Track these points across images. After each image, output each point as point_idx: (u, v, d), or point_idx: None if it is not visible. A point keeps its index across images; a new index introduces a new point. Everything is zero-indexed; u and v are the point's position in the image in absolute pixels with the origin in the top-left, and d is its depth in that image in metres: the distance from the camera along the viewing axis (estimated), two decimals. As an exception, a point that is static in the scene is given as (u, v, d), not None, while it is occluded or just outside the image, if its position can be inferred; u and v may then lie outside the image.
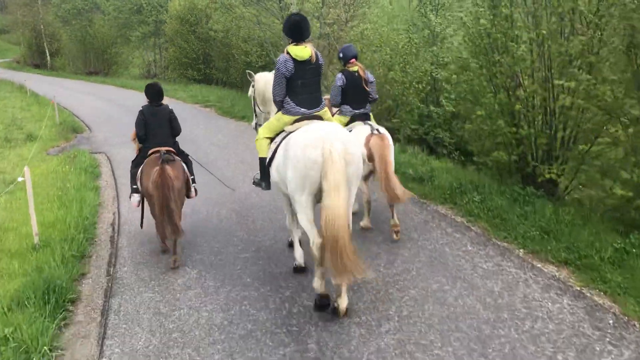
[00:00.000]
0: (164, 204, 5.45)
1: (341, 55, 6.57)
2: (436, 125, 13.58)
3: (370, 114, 6.67)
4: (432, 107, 13.13)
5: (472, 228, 6.41)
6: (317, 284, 4.58)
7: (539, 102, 7.05)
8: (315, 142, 4.37)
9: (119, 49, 37.18)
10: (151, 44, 34.37)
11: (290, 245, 5.84)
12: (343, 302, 4.46)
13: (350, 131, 6.03)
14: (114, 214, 8.02)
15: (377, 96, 6.82)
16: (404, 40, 12.41)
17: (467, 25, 7.49)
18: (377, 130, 6.14)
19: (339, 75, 6.46)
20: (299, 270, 5.41)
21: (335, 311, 4.49)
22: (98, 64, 38.06)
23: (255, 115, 6.59)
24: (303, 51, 4.89)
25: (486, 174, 8.46)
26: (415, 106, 12.64)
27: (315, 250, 4.48)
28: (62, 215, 7.39)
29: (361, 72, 6.38)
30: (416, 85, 12.02)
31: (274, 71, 5.21)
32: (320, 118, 5.03)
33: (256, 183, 5.67)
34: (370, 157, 5.91)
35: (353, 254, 4.11)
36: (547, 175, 6.94)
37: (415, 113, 12.68)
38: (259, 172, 5.57)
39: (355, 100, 6.41)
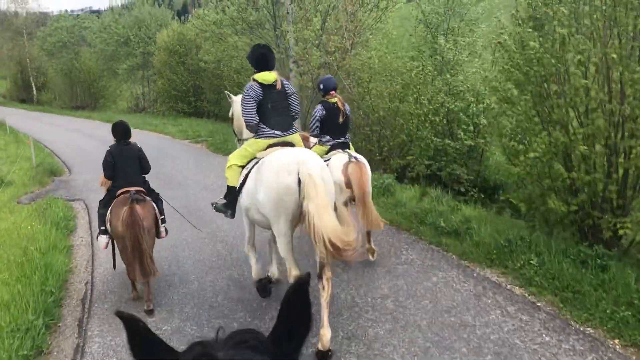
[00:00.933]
0: (135, 244, 5.33)
1: (321, 86, 6.66)
2: (452, 161, 12.32)
3: (350, 143, 6.78)
4: (447, 141, 11.87)
5: (539, 304, 5.05)
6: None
7: (604, 140, 5.76)
8: (289, 167, 4.35)
9: (106, 82, 35.90)
10: (139, 76, 33.16)
11: (260, 283, 5.69)
12: (326, 334, 4.38)
13: (329, 159, 6.23)
14: (86, 283, 6.60)
15: (351, 126, 6.83)
16: (415, 68, 11.20)
17: (510, 49, 6.25)
18: (355, 157, 6.23)
19: (319, 106, 6.59)
20: (263, 289, 5.63)
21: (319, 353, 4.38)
22: (85, 98, 36.78)
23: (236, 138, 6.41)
24: (268, 75, 5.04)
25: (530, 225, 7.12)
26: (430, 140, 11.38)
27: (291, 280, 4.48)
28: (21, 290, 5.97)
29: (339, 104, 6.52)
30: (432, 118, 10.78)
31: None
32: (291, 144, 5.04)
33: (220, 210, 5.47)
34: (348, 184, 5.98)
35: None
36: (621, 231, 5.62)
37: (430, 148, 11.41)
38: (222, 198, 5.48)
39: (334, 130, 6.55)
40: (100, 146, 17.68)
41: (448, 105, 11.51)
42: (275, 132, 5.01)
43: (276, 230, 4.56)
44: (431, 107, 10.82)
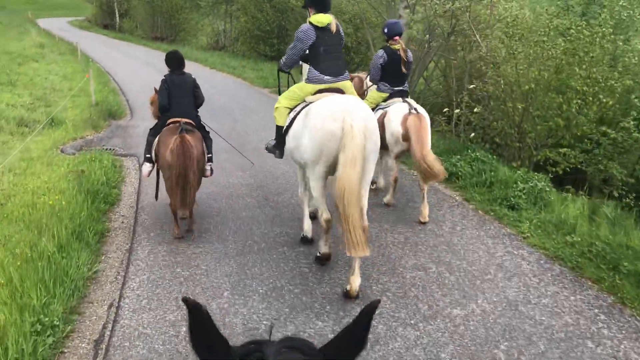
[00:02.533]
0: (181, 172, 5.17)
1: (386, 30, 6.38)
2: (605, 156, 9.24)
3: (408, 91, 6.60)
4: (609, 131, 8.76)
5: None
6: (322, 247, 4.99)
7: None
8: (335, 115, 4.39)
9: (187, 14, 33.87)
10: (222, 11, 30.80)
11: (303, 240, 5.61)
12: (355, 282, 4.46)
13: (387, 107, 6.21)
14: (110, 306, 4.45)
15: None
16: (584, 30, 8.05)
17: None
18: (415, 109, 6.00)
19: (380, 52, 6.39)
20: (306, 241, 5.54)
21: (347, 294, 4.48)
22: (165, 30, 35.00)
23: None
24: (323, 17, 4.92)
25: None
26: (588, 129, 8.37)
27: (322, 222, 4.78)
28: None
29: (402, 51, 6.32)
30: (604, 100, 7.73)
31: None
32: (341, 91, 4.97)
33: (269, 150, 5.59)
34: (406, 137, 5.86)
35: (361, 230, 4.19)
36: None
37: (587, 141, 8.45)
38: (273, 139, 5.48)
39: (394, 77, 6.38)
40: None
41: (621, 81, 8.34)
42: (325, 77, 4.96)
43: (312, 174, 4.67)
44: (603, 85, 7.74)
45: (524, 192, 6.76)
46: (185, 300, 0.99)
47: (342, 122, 4.31)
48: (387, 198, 6.61)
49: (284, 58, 5.29)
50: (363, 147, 4.29)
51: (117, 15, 42.87)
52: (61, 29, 39.94)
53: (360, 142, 4.27)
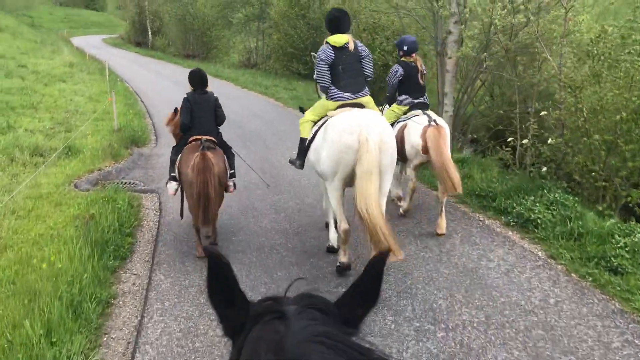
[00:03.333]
0: (203, 189, 5.17)
1: (405, 48, 6.45)
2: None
3: (428, 103, 6.60)
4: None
5: None
6: (342, 256, 5.07)
7: None
8: (351, 129, 4.57)
9: (219, 32, 33.26)
10: (254, 28, 30.01)
11: (327, 226, 5.92)
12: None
13: (408, 120, 6.25)
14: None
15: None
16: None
17: None
18: (435, 121, 6.04)
19: (395, 67, 6.52)
20: (332, 250, 5.64)
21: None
22: (197, 47, 34.47)
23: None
24: (340, 38, 5.08)
25: None
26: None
27: (340, 232, 4.99)
28: None
29: (418, 64, 6.44)
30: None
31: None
32: (361, 105, 5.07)
33: (291, 161, 5.75)
34: (425, 149, 5.89)
35: (390, 234, 4.37)
36: None
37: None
38: (296, 151, 5.59)
39: (413, 90, 6.45)
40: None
41: None
42: (345, 94, 5.08)
43: (331, 186, 4.87)
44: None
45: (627, 249, 5.42)
46: (207, 250, 0.99)
47: (358, 135, 4.48)
48: (404, 207, 6.64)
49: (317, 80, 5.33)
50: (379, 160, 4.46)
51: (149, 33, 42.76)
52: (94, 46, 40.04)
53: (376, 156, 4.44)
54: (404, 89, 6.47)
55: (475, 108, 12.27)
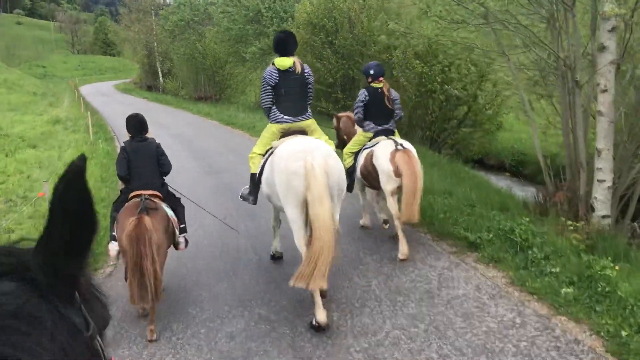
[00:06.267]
0: (137, 261, 4.46)
1: (372, 72, 6.37)
2: None
3: (395, 130, 6.50)
4: None
5: None
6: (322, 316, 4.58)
7: None
8: (296, 155, 4.57)
9: (232, 69, 29.32)
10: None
11: (272, 257, 6.08)
12: (321, 315, 4.43)
13: (373, 146, 6.19)
14: None
15: (402, 113, 6.66)
16: None
17: None
18: (402, 145, 6.02)
19: (362, 91, 6.48)
20: (275, 258, 6.00)
21: (317, 328, 4.47)
22: (209, 88, 30.60)
23: None
24: (285, 61, 5.14)
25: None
26: None
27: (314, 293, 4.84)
28: None
29: (385, 89, 6.35)
30: None
31: None
32: (304, 132, 5.19)
33: (244, 197, 5.73)
34: (397, 172, 5.85)
35: (328, 262, 4.25)
36: None
37: None
38: (247, 187, 5.66)
39: (378, 116, 6.38)
40: (202, 187, 10.36)
41: None
42: (284, 117, 5.16)
43: (288, 216, 4.72)
44: None
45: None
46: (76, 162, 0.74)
47: (304, 162, 4.46)
48: (364, 221, 6.87)
49: (261, 101, 5.38)
50: (326, 183, 4.45)
51: (160, 75, 39.40)
52: (103, 94, 37.09)
53: (323, 179, 4.42)
54: (368, 115, 6.38)
55: None
